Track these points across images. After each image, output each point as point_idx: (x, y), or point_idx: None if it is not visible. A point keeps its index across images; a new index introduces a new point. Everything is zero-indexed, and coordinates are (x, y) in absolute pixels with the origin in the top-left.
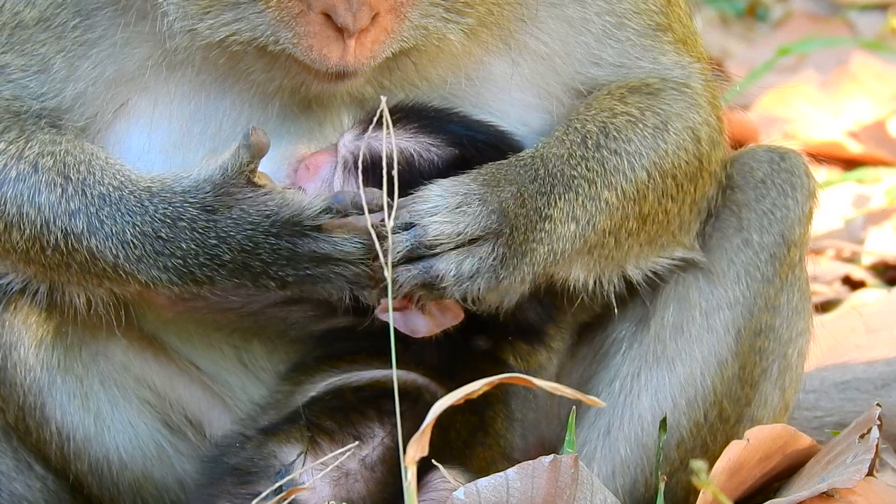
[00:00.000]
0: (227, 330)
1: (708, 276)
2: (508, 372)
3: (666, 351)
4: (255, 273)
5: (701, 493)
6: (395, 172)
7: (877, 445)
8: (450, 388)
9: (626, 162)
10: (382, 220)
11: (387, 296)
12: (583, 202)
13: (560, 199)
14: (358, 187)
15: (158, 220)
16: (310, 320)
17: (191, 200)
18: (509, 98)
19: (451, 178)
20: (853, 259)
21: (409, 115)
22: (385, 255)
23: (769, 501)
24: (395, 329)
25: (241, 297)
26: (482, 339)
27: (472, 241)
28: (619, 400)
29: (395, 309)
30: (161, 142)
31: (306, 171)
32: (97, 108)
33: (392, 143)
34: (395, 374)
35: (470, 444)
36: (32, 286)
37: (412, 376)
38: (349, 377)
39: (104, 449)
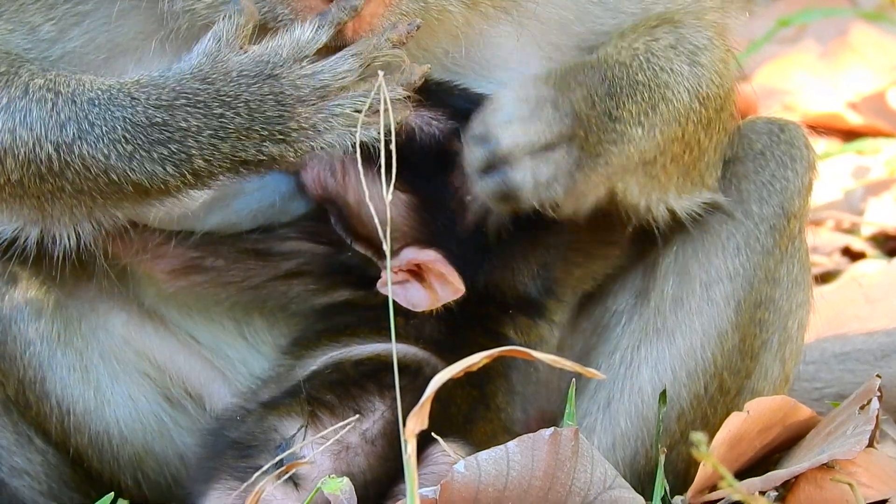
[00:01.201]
0: (228, 304)
1: (708, 248)
2: (509, 346)
3: (666, 323)
4: (258, 140)
5: (701, 466)
6: (392, 147)
7: (877, 416)
8: (450, 363)
9: (672, 80)
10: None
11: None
12: (645, 108)
13: (628, 100)
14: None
15: (152, 107)
16: (311, 293)
17: (188, 77)
18: (514, 67)
19: (521, 82)
20: (853, 230)
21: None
22: (384, 228)
23: (769, 473)
24: (395, 303)
25: (241, 270)
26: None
27: (547, 147)
28: (620, 372)
29: (395, 282)
30: None
31: None
32: (87, 69)
33: (391, 119)
34: (394, 348)
35: (471, 418)
36: (25, 233)
37: (412, 350)
38: (350, 351)
39: (104, 422)
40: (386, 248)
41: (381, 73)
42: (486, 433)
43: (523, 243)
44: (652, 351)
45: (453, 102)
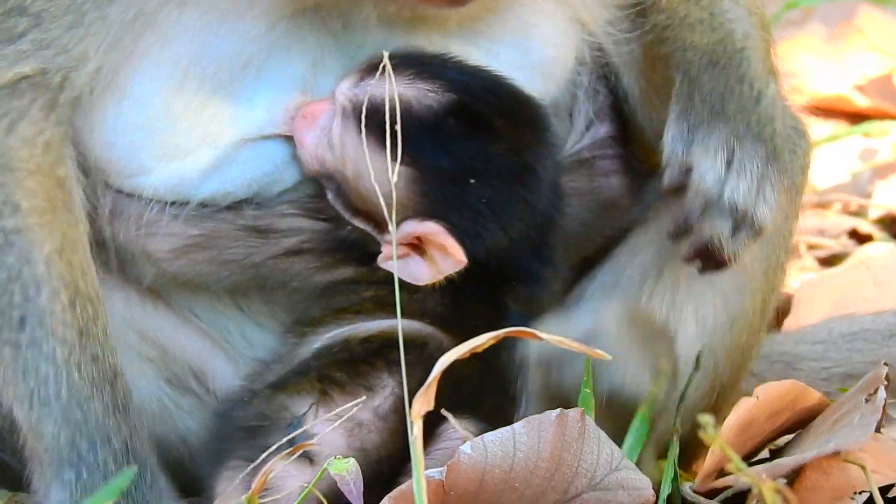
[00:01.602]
0: (229, 283)
1: None
2: (510, 317)
3: (695, 285)
4: None
5: (710, 451)
6: (398, 128)
7: (884, 405)
8: (454, 336)
9: (740, 17)
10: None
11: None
12: (756, 62)
13: (749, 68)
14: (359, 133)
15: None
16: (312, 271)
17: None
18: (540, 26)
19: (689, 123)
20: (860, 213)
21: (405, 62)
22: (389, 208)
23: (776, 461)
24: (398, 278)
25: (242, 248)
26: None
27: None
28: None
29: (397, 256)
30: (163, 84)
31: (304, 120)
32: (114, 61)
33: (395, 96)
34: (399, 325)
35: (479, 390)
36: None
37: (416, 325)
38: (355, 328)
39: None
40: (391, 229)
41: (385, 53)
42: (494, 403)
43: (522, 216)
44: (699, 308)
45: (448, 75)
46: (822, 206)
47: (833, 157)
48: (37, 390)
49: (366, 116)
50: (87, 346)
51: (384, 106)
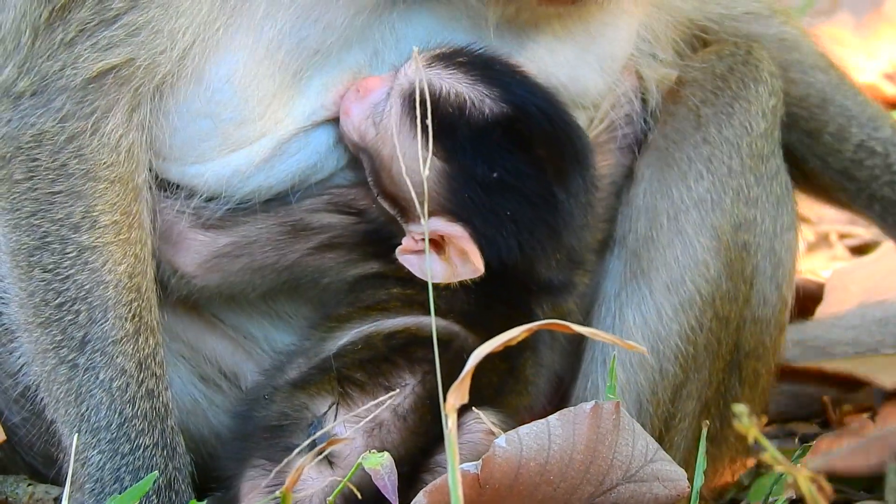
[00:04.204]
0: (263, 289)
1: (668, 180)
2: (538, 320)
3: (641, 263)
4: None
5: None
6: (432, 122)
7: None
8: (480, 335)
9: None
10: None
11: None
12: None
13: None
14: (407, 116)
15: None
16: (343, 266)
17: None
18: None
19: None
20: None
21: (475, 62)
22: (421, 204)
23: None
24: (417, 276)
25: (275, 249)
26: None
27: None
28: (607, 323)
29: (413, 251)
30: (239, 71)
31: (356, 93)
32: (202, 44)
33: (426, 91)
34: (433, 322)
35: (501, 391)
36: None
37: (443, 323)
38: (380, 325)
39: None
40: (424, 223)
41: (415, 48)
42: (515, 406)
43: (543, 240)
44: (633, 294)
45: (511, 86)
46: None
47: None
48: (87, 416)
49: (421, 103)
50: (143, 381)
51: (442, 98)
